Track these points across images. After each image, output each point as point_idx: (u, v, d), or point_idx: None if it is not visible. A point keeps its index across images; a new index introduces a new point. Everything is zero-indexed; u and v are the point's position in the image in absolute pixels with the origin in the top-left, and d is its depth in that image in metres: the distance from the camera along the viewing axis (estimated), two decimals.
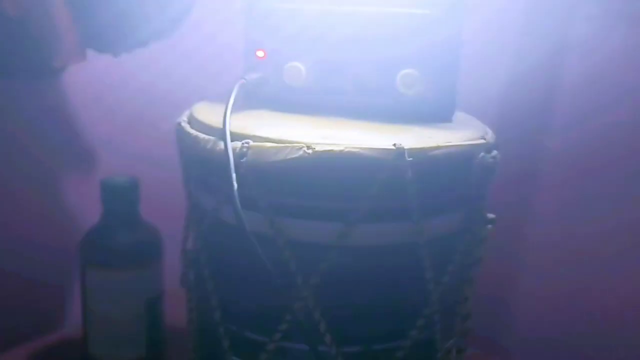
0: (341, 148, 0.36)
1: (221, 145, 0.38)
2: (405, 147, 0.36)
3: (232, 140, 0.37)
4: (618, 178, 0.67)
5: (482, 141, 0.41)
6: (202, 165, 0.41)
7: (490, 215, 0.43)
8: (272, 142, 0.37)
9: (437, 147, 0.38)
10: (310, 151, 0.35)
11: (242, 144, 0.37)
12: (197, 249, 0.42)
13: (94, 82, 0.65)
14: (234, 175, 0.36)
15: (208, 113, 0.42)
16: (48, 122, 0.65)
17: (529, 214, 0.73)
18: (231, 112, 0.42)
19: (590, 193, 0.70)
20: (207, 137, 0.39)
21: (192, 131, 0.40)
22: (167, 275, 0.54)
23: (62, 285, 0.68)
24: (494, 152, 0.41)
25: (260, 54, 0.47)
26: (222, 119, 0.39)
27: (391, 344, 0.41)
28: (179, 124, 0.42)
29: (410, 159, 0.36)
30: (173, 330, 0.56)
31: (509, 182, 0.75)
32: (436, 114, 0.46)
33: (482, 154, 0.41)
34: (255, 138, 0.37)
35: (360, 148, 0.36)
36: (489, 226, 0.43)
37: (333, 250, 0.37)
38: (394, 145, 0.36)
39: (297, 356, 0.40)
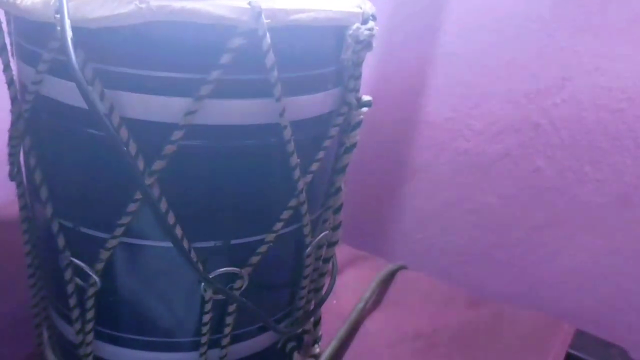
0: (183, 4, 0.29)
1: None
2: (263, 7, 0.31)
3: None
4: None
5: (357, 10, 0.36)
6: (17, 29, 0.34)
7: (366, 97, 0.39)
8: None
9: (302, 10, 0.32)
10: (143, 5, 0.29)
11: None
12: (19, 134, 0.35)
13: None
14: (68, 27, 0.28)
15: None
16: None
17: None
18: None
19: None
20: None
21: None
22: None
23: None
24: (371, 24, 0.36)
25: None
26: None
27: (253, 238, 0.37)
28: None
29: (269, 20, 0.31)
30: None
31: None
32: None
33: (356, 25, 0.36)
34: None
35: (207, 5, 0.30)
36: (364, 109, 0.39)
37: (179, 129, 0.32)
38: (249, 4, 0.31)
39: (142, 253, 0.35)
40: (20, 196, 0.39)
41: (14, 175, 0.38)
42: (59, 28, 0.29)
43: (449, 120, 0.69)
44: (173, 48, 0.31)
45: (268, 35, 0.31)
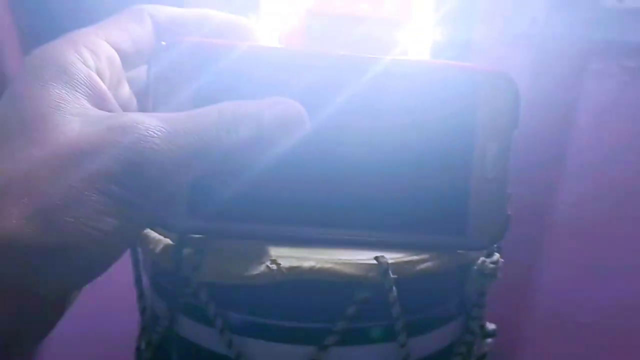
0: (311, 264, 0.30)
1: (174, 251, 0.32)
2: (390, 261, 0.31)
3: (184, 246, 0.32)
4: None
5: None
6: (153, 265, 0.36)
7: (490, 326, 0.37)
8: (230, 252, 0.31)
9: (428, 259, 0.32)
10: (274, 266, 0.30)
11: (196, 252, 0.31)
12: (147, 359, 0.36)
13: None
14: None
15: None
16: None
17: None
18: None
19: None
20: (157, 237, 0.33)
21: None
22: None
23: None
24: (496, 257, 0.35)
25: None
26: None
27: None
28: None
29: (395, 276, 0.31)
30: None
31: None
32: None
33: (482, 258, 0.35)
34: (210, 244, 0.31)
35: (335, 263, 0.30)
36: (489, 340, 0.37)
37: None
38: (376, 259, 0.31)
39: None
40: None
41: None
42: (194, 287, 0.30)
43: None
44: (300, 302, 0.31)
45: (394, 288, 0.31)
